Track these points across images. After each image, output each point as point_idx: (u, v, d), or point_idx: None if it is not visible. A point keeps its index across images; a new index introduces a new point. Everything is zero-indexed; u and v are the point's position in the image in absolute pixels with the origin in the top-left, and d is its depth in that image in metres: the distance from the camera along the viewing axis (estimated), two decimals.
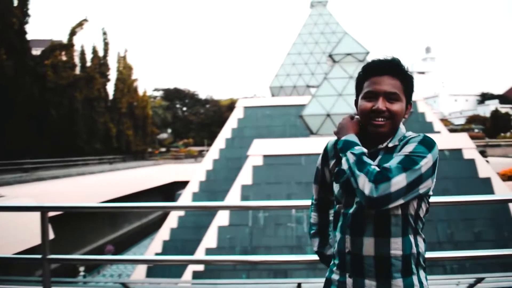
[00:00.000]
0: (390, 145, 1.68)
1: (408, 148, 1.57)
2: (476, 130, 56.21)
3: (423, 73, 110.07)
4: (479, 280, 2.83)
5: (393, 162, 1.54)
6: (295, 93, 22.98)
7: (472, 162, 10.06)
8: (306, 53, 23.95)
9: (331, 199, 1.93)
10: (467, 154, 10.19)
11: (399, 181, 1.49)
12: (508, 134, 55.36)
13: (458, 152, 10.23)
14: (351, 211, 1.67)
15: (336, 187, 1.77)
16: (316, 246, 2.00)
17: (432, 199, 1.85)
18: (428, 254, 2.76)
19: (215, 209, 9.49)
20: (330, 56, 13.45)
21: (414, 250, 1.63)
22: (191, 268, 9.41)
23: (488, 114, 64.19)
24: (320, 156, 1.95)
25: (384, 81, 1.64)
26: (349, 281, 1.65)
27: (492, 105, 75.28)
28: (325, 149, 1.91)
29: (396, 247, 1.60)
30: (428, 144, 1.58)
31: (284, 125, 16.69)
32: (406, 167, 1.52)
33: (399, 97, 1.64)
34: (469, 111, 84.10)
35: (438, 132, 15.12)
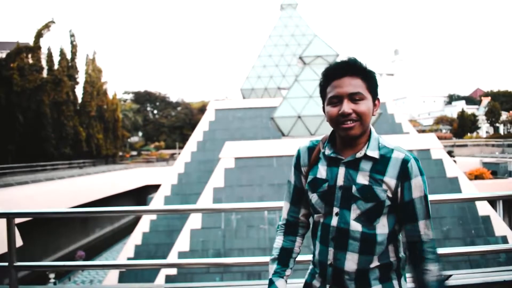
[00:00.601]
0: (370, 153, 1.62)
1: (418, 191, 1.60)
2: (443, 131, 57.69)
3: (392, 74, 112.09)
4: (447, 278, 2.89)
5: (423, 227, 1.61)
6: (266, 95, 23.05)
7: (440, 162, 10.32)
8: (276, 55, 24.08)
9: (302, 221, 1.85)
10: (435, 154, 10.44)
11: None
12: (474, 134, 57.02)
13: (426, 152, 10.48)
14: (332, 222, 1.63)
15: (313, 197, 1.70)
16: (271, 273, 1.82)
17: None
18: None
19: (187, 212, 9.42)
20: (301, 58, 13.58)
21: (394, 258, 1.65)
22: (164, 272, 9.34)
23: (455, 115, 65.88)
24: (292, 167, 1.84)
25: (345, 82, 1.59)
26: None
27: (459, 106, 77.28)
28: (297, 157, 1.82)
29: (377, 259, 1.62)
30: (422, 170, 1.62)
31: (256, 127, 16.73)
32: (429, 217, 1.63)
33: (363, 96, 1.60)
34: (436, 112, 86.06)
35: (407, 133, 15.44)
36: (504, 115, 60.29)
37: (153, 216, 13.45)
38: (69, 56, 37.82)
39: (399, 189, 1.60)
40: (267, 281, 1.87)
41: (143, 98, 69.94)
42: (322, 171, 1.69)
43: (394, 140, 11.17)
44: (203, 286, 3.53)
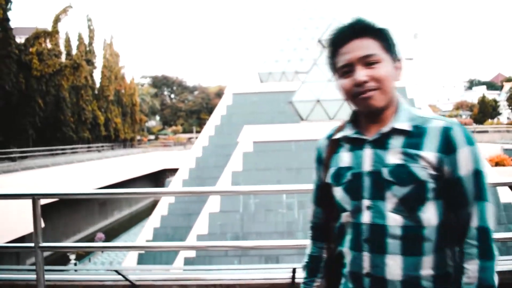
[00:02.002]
0: (398, 126, 1.30)
1: (467, 166, 1.26)
2: (463, 116, 56.74)
3: (411, 59, 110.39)
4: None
5: (474, 213, 1.25)
6: (284, 79, 22.92)
7: None
8: (294, 39, 23.87)
9: (331, 226, 1.50)
10: None
11: (492, 225, 1.27)
12: (495, 120, 55.98)
13: None
14: (364, 219, 1.31)
15: (338, 191, 1.39)
16: (302, 281, 1.58)
17: None
18: None
19: (207, 194, 9.48)
20: (320, 41, 13.41)
21: (451, 267, 1.30)
22: (182, 255, 9.43)
23: (475, 101, 64.72)
24: (315, 165, 1.55)
25: (353, 46, 1.31)
26: None
27: (480, 91, 75.85)
28: (318, 150, 1.54)
29: (428, 266, 1.26)
30: (472, 139, 1.28)
31: (273, 111, 16.64)
32: (484, 199, 1.27)
33: (379, 58, 1.30)
34: (456, 97, 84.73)
35: None
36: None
37: (172, 199, 13.54)
38: (86, 41, 38.04)
39: (444, 166, 1.25)
40: (288, 265, 1.75)
41: (160, 83, 70.30)
42: (345, 158, 1.39)
43: None
44: (222, 269, 3.52)
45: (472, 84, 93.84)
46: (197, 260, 9.29)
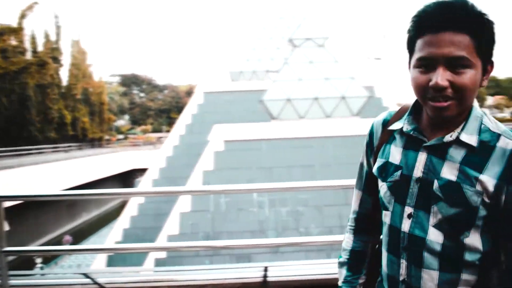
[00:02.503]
0: (464, 138, 1.11)
1: None
2: None
3: (379, 59, 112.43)
4: None
5: None
6: (255, 78, 22.95)
7: None
8: (265, 38, 23.92)
9: (378, 217, 1.32)
10: None
11: None
12: None
13: None
14: (403, 227, 1.18)
15: (382, 187, 1.25)
16: (341, 281, 1.42)
17: None
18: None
19: (177, 194, 9.40)
20: (290, 40, 13.47)
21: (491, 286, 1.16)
22: (153, 256, 9.33)
23: None
24: (364, 146, 1.39)
25: (444, 39, 1.04)
26: None
27: None
28: (370, 133, 1.36)
29: (466, 284, 1.13)
30: None
31: (245, 110, 16.65)
32: None
33: (470, 63, 1.05)
34: None
35: None
36: (489, 100, 60.93)
37: (141, 200, 13.39)
38: (53, 38, 37.14)
39: (502, 195, 1.07)
40: (259, 263, 1.70)
41: (129, 81, 69.28)
42: (395, 153, 1.22)
43: None
44: (194, 269, 3.49)
45: None
46: (168, 261, 9.19)
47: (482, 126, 1.12)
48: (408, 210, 1.17)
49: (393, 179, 1.20)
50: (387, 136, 1.28)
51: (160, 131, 58.88)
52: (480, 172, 1.07)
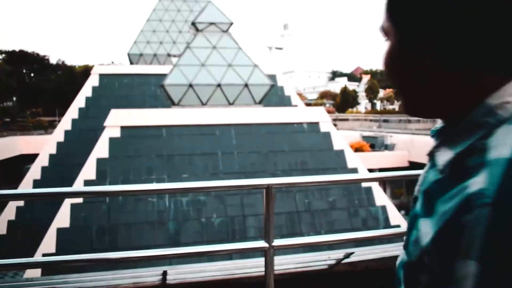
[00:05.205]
0: None
1: None
2: (327, 105, 60.82)
3: (281, 48, 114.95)
4: (348, 255, 2.88)
5: None
6: (156, 61, 22.18)
7: (328, 134, 10.62)
8: (167, 21, 23.12)
9: None
10: (323, 127, 10.72)
11: None
12: (354, 109, 61.06)
13: (315, 125, 10.71)
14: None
15: None
16: None
17: (295, 179, 1.61)
18: (306, 239, 2.70)
19: (63, 196, 8.63)
20: (193, 24, 13.04)
21: None
22: (39, 252, 8.51)
23: (338, 91, 69.71)
24: None
25: None
26: None
27: (342, 82, 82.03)
28: None
29: None
30: None
31: (144, 94, 15.96)
32: None
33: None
34: (321, 87, 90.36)
35: (296, 105, 15.76)
36: (381, 93, 65.16)
37: (20, 203, 12.38)
38: None
39: None
40: (157, 268, 1.46)
41: (17, 59, 63.74)
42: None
43: (284, 112, 11.28)
44: (85, 278, 3.09)
45: (335, 75, 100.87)
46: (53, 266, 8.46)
47: None
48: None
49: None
50: None
51: (53, 114, 55.18)
52: None
